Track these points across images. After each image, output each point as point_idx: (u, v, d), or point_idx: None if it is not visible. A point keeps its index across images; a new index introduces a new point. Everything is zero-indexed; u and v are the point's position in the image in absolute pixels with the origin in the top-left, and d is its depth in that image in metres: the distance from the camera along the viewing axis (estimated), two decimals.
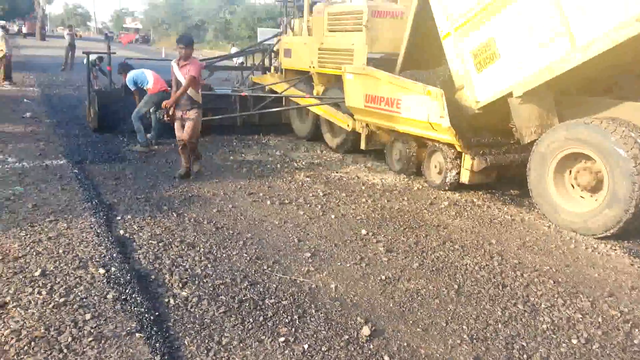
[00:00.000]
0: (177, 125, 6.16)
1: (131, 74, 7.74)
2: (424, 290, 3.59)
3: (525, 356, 2.85)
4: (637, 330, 3.18)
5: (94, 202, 5.04)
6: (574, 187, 5.14)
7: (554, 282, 3.77)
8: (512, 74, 5.42)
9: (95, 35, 75.37)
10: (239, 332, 2.98)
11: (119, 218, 4.73)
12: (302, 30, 9.03)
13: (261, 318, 3.15)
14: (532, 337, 3.04)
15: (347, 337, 2.97)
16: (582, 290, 3.67)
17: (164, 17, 54.49)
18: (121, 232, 4.40)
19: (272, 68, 10.46)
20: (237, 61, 13.67)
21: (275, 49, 10.34)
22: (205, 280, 3.60)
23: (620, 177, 4.56)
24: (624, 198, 4.53)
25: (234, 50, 21.81)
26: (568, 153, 5.04)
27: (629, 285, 3.81)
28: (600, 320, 3.27)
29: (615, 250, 4.50)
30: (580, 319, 3.27)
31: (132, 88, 7.74)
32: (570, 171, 5.15)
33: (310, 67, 8.65)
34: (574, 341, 3.01)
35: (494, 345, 2.95)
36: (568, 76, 5.04)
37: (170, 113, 6.04)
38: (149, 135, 7.75)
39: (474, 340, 2.98)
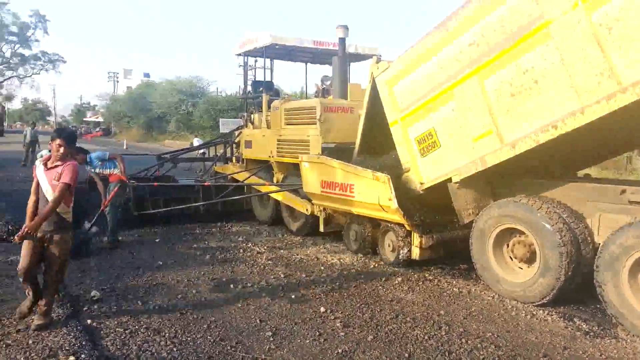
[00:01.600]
0: (25, 248, 4.31)
1: (92, 154, 7.76)
2: None
3: None
4: None
5: (60, 295, 5.16)
6: (512, 259, 5.65)
7: (495, 347, 4.13)
8: (450, 162, 6.04)
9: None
10: None
11: (86, 308, 4.88)
12: (261, 123, 9.72)
13: None
14: None
15: None
16: (520, 353, 4.04)
17: (125, 111, 55.56)
18: (88, 321, 4.54)
19: (234, 158, 11.03)
20: (199, 152, 14.22)
21: (236, 140, 10.99)
22: None
23: (549, 249, 5.10)
24: (554, 267, 5.05)
25: (196, 140, 22.47)
26: (503, 228, 5.60)
27: (562, 346, 4.21)
28: None
29: (551, 315, 4.94)
30: None
31: (95, 170, 7.61)
32: (507, 245, 5.68)
33: (270, 156, 9.26)
34: None
35: None
36: (499, 165, 5.66)
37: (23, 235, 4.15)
38: (93, 229, 7.31)
39: None
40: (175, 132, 45.31)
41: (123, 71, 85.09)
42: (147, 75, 69.63)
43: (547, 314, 4.97)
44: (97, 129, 60.28)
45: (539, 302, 5.15)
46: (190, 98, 44.84)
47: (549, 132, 4.98)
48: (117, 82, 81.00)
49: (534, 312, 5.00)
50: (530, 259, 5.40)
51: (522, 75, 5.12)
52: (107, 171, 7.73)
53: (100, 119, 69.13)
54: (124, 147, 34.71)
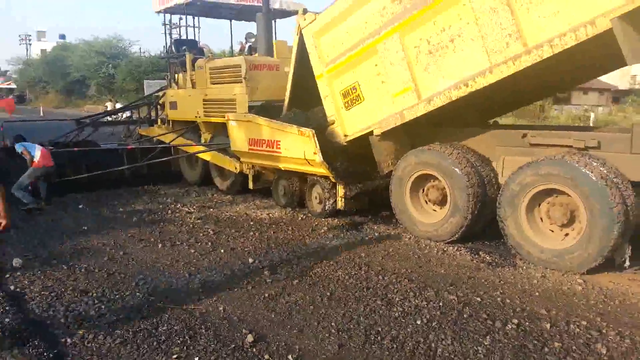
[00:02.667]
0: None
1: (23, 144, 7.79)
2: (302, 300, 4.15)
3: (379, 338, 3.49)
4: (468, 307, 3.97)
5: None
6: (427, 203, 6.08)
7: (409, 280, 4.53)
8: (372, 116, 6.30)
9: None
10: (135, 357, 3.32)
11: (8, 276, 4.79)
12: (186, 83, 9.53)
13: (155, 343, 3.50)
14: (386, 324, 3.70)
15: (233, 345, 3.43)
16: (430, 284, 4.45)
17: (41, 76, 51.95)
18: (12, 287, 4.49)
19: (159, 120, 10.78)
20: (123, 115, 13.71)
21: (160, 101, 10.71)
22: (99, 320, 3.86)
23: (458, 191, 5.53)
24: (462, 207, 5.50)
25: (110, 105, 21.49)
26: (419, 175, 5.98)
27: (467, 276, 4.68)
28: (441, 304, 4.03)
29: (460, 250, 5.42)
30: (425, 305, 4.01)
31: (19, 150, 7.72)
32: (423, 189, 6.09)
33: (196, 117, 9.16)
34: (419, 322, 3.73)
35: (356, 333, 3.57)
36: (417, 118, 5.97)
37: None
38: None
39: (340, 332, 3.58)
40: (97, 96, 43.06)
41: (36, 33, 78.93)
42: (62, 37, 64.98)
43: (456, 249, 5.44)
44: (10, 96, 56.05)
45: (449, 240, 5.63)
46: (110, 60, 42.57)
47: (461, 90, 5.32)
48: (30, 45, 75.11)
49: (445, 249, 5.47)
50: (442, 202, 5.83)
51: (440, 33, 5.38)
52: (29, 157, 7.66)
53: (13, 86, 64.22)
54: (40, 113, 32.67)
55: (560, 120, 21.17)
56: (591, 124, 17.26)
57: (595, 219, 4.54)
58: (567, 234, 4.93)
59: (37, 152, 7.71)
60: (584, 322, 3.73)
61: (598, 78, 28.18)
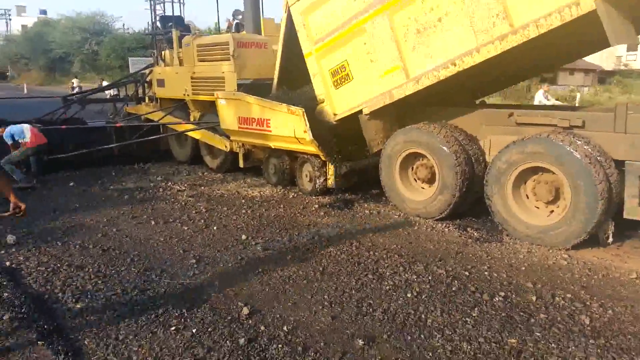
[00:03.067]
0: None
1: (9, 128, 7.69)
2: (295, 275, 4.26)
3: (371, 310, 3.62)
4: (456, 281, 4.11)
5: None
6: (416, 181, 6.19)
7: (398, 256, 4.66)
8: (361, 95, 6.34)
9: None
10: (134, 329, 3.41)
11: (3, 252, 4.83)
12: (173, 60, 9.46)
13: (153, 316, 3.59)
14: (377, 297, 3.83)
15: (229, 317, 3.53)
16: (419, 259, 4.58)
17: (22, 52, 50.80)
18: (7, 263, 4.53)
19: (147, 98, 10.71)
20: (110, 93, 13.58)
21: (148, 79, 10.62)
22: (97, 294, 3.94)
23: (447, 169, 5.64)
24: (450, 186, 5.62)
25: (104, 84, 21.25)
26: (408, 153, 6.07)
27: (455, 251, 4.82)
28: (430, 278, 4.17)
29: (448, 227, 5.56)
30: (415, 279, 4.14)
31: (9, 142, 7.66)
32: (412, 167, 6.19)
33: (184, 95, 9.11)
34: (409, 295, 3.86)
35: (348, 306, 3.69)
36: (406, 97, 6.02)
37: None
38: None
39: (332, 305, 3.70)
40: (81, 73, 42.27)
41: (16, 8, 76.76)
42: (43, 12, 63.49)
43: (445, 226, 5.58)
44: None
45: (438, 217, 5.76)
46: (94, 36, 41.82)
47: (448, 69, 5.37)
48: (10, 20, 73.11)
49: (434, 226, 5.61)
50: (431, 180, 5.95)
51: (428, 12, 5.41)
52: (22, 140, 7.64)
53: None
54: (24, 91, 32.07)
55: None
56: (577, 104, 17.49)
57: (579, 196, 4.68)
58: (552, 211, 5.08)
59: (28, 133, 7.67)
60: (569, 295, 3.89)
61: (584, 59, 28.43)
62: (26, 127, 7.77)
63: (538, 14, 4.66)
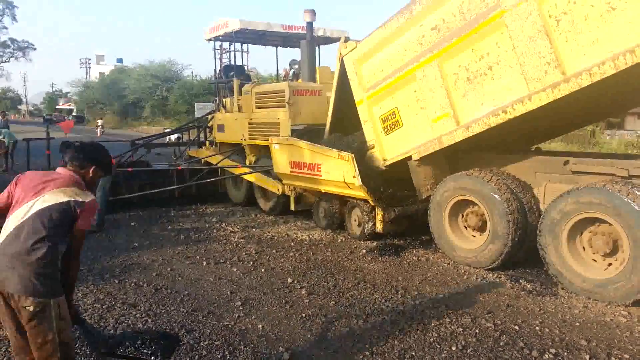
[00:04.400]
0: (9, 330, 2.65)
1: None
2: (338, 322, 4.25)
3: None
4: (504, 335, 3.95)
5: None
6: (466, 228, 6.07)
7: (445, 306, 4.54)
8: (411, 141, 6.39)
9: (27, 119, 74.17)
10: None
11: None
12: (233, 107, 9.94)
13: (197, 357, 3.68)
14: (420, 348, 3.75)
15: None
16: (467, 311, 4.45)
17: (99, 97, 54.76)
18: None
19: (207, 142, 11.23)
20: (172, 138, 14.36)
21: (209, 124, 11.19)
22: None
23: (498, 217, 5.52)
24: (502, 234, 5.48)
25: (167, 130, 22.42)
26: (458, 200, 6.00)
27: (506, 304, 4.64)
28: (477, 331, 4.03)
29: (500, 277, 5.38)
30: (461, 332, 4.02)
31: None
32: (462, 215, 6.09)
33: (241, 139, 9.52)
34: (453, 348, 3.75)
35: (390, 356, 3.63)
36: (456, 144, 5.99)
37: None
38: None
39: (374, 354, 3.65)
40: (151, 117, 44.94)
41: (95, 57, 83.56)
42: (119, 60, 68.53)
43: (496, 277, 5.41)
44: (69, 117, 59.21)
45: (489, 267, 5.59)
46: (164, 83, 44.44)
47: (499, 116, 5.35)
48: (90, 68, 79.57)
49: (484, 276, 5.44)
50: (482, 228, 5.81)
51: (478, 61, 5.46)
52: None
53: (73, 107, 67.90)
54: (98, 134, 34.40)
55: (612, 146, 20.43)
56: None
57: (639, 249, 4.43)
58: (610, 264, 4.82)
59: None
60: (627, 355, 3.65)
61: None
62: None
63: (591, 63, 4.59)
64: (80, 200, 2.67)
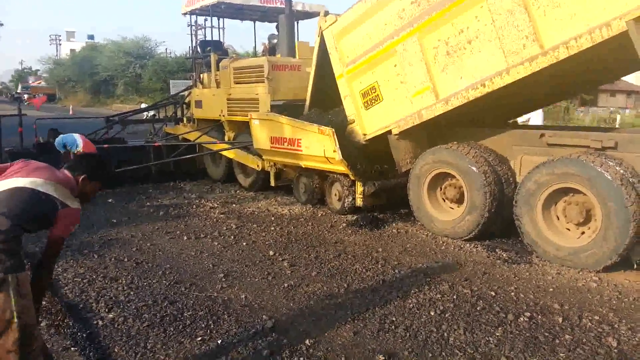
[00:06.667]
0: None
1: (60, 137, 8.07)
2: (320, 291, 4.32)
3: (393, 327, 3.64)
4: (481, 301, 4.08)
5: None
6: (444, 201, 6.18)
7: (424, 275, 4.66)
8: (391, 115, 6.43)
9: None
10: (162, 338, 3.53)
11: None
12: (211, 83, 9.81)
13: (181, 326, 3.71)
14: (400, 314, 3.85)
15: (253, 330, 3.62)
16: (445, 279, 4.57)
17: (70, 75, 53.28)
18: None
19: (185, 119, 11.09)
20: (148, 114, 14.11)
21: (186, 100, 11.03)
22: (129, 304, 4.10)
23: (475, 189, 5.63)
24: (479, 206, 5.60)
25: (143, 106, 21.97)
26: (436, 173, 6.09)
27: (482, 272, 4.78)
28: (454, 297, 4.15)
29: (477, 247, 5.52)
30: (440, 298, 4.14)
31: (62, 151, 8.01)
32: (440, 187, 6.20)
33: (220, 115, 9.42)
34: (432, 313, 3.86)
35: (370, 322, 3.72)
36: (435, 118, 6.06)
37: None
38: None
39: (355, 320, 3.74)
40: (124, 95, 43.99)
41: (65, 34, 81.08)
42: (91, 37, 66.77)
43: (473, 246, 5.54)
44: (41, 94, 57.57)
45: (467, 237, 5.72)
46: (138, 60, 43.43)
47: (478, 90, 5.42)
48: (60, 45, 77.22)
49: (462, 246, 5.57)
50: (459, 200, 5.93)
51: (458, 35, 5.49)
52: (74, 150, 7.95)
53: (43, 84, 65.97)
54: (70, 112, 33.55)
55: (585, 122, 20.90)
56: (617, 126, 17.03)
57: (610, 218, 4.59)
58: (583, 232, 4.99)
59: (80, 142, 7.99)
60: (597, 317, 3.81)
61: (626, 80, 27.74)
62: (77, 136, 8.09)
63: (568, 36, 4.67)
64: (66, 202, 2.59)
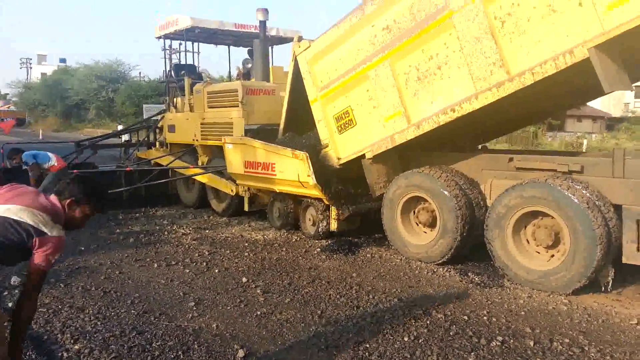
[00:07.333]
0: None
1: (30, 151, 7.98)
2: (293, 318, 4.26)
3: (367, 354, 3.60)
4: (454, 325, 4.08)
5: None
6: (417, 225, 6.22)
7: (398, 300, 4.64)
8: (364, 139, 6.48)
9: None
10: None
11: (6, 293, 4.88)
12: (184, 107, 9.76)
13: (149, 358, 3.60)
14: (374, 340, 3.81)
15: None
16: (419, 303, 4.56)
17: (41, 99, 52.38)
18: (10, 304, 4.57)
19: (157, 143, 10.97)
20: (122, 139, 13.91)
21: (159, 125, 10.93)
22: (95, 335, 3.96)
23: (447, 213, 5.68)
24: (452, 229, 5.65)
25: (120, 127, 21.73)
26: (409, 197, 6.14)
27: (455, 296, 4.79)
28: (428, 322, 4.15)
29: (450, 272, 5.55)
30: (413, 323, 4.12)
31: (30, 162, 7.90)
32: (413, 211, 6.24)
33: (193, 139, 9.36)
34: (406, 339, 3.83)
35: (345, 349, 3.67)
36: (409, 142, 6.12)
37: None
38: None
39: (329, 348, 3.69)
40: (96, 119, 43.39)
41: (37, 57, 79.86)
42: (63, 60, 65.78)
43: (446, 270, 5.57)
44: (9, 118, 56.28)
45: (440, 261, 5.75)
46: (110, 84, 43.01)
47: (447, 115, 5.52)
48: (31, 68, 75.95)
49: (435, 270, 5.59)
50: (432, 223, 5.98)
51: (428, 61, 5.61)
52: (46, 165, 7.87)
53: (13, 108, 64.64)
54: (40, 137, 32.86)
55: (554, 146, 21.49)
56: (584, 150, 17.56)
57: (578, 241, 4.68)
58: (552, 255, 5.06)
59: (53, 158, 7.95)
60: (567, 340, 3.84)
61: (592, 106, 28.73)
62: (48, 153, 8.03)
63: (533, 62, 4.81)
64: (43, 230, 2.49)
